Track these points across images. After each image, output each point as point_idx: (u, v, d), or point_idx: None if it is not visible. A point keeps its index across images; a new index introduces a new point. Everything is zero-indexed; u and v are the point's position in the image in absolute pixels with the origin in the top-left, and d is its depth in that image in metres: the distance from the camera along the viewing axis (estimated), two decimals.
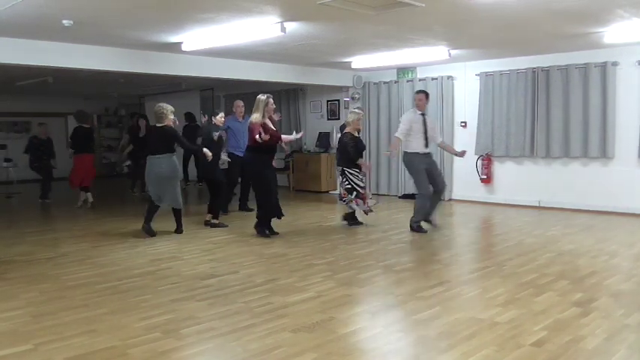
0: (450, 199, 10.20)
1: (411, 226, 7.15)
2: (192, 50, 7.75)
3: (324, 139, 11.90)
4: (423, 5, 5.41)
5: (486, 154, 9.73)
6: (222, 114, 7.84)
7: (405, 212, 8.88)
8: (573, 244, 6.37)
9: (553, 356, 3.22)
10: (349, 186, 7.40)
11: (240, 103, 8.97)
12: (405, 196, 10.57)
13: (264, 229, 6.87)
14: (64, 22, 5.98)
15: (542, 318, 3.86)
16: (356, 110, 7.83)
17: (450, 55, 8.69)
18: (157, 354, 3.32)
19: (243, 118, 8.66)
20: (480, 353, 3.27)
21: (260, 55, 8.72)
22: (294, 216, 8.34)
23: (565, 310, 4.02)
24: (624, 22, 6.45)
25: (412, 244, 6.46)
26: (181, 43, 7.47)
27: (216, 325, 3.79)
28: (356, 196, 7.39)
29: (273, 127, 6.71)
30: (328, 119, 12.06)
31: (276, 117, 7.08)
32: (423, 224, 7.14)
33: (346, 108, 11.82)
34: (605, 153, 8.52)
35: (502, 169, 9.73)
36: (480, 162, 9.83)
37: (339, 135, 11.86)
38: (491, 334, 3.58)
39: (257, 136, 6.40)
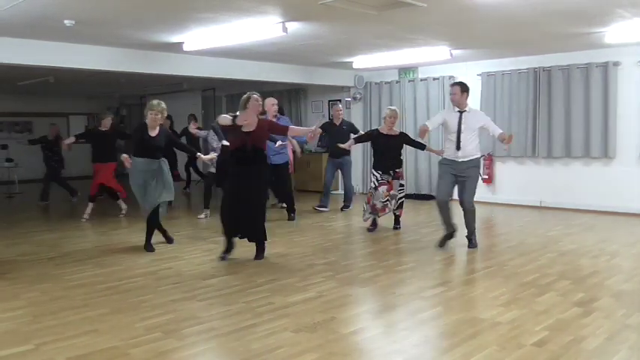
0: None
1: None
2: (194, 50, 7.75)
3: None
4: (425, 5, 5.41)
5: (488, 154, 9.71)
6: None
7: (406, 213, 8.88)
8: (575, 244, 6.37)
9: (554, 356, 3.22)
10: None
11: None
12: (406, 196, 10.53)
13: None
14: (66, 21, 5.99)
15: (543, 318, 3.86)
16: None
17: (451, 55, 8.69)
18: (157, 354, 3.32)
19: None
20: (482, 353, 3.27)
21: (262, 55, 8.71)
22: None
23: (566, 310, 4.02)
24: (625, 22, 6.44)
25: (413, 244, 6.45)
26: (183, 43, 7.47)
27: (217, 325, 3.78)
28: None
29: None
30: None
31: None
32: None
33: (348, 108, 11.80)
34: (606, 153, 8.51)
35: (503, 169, 9.72)
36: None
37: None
38: (492, 334, 3.58)
39: None
